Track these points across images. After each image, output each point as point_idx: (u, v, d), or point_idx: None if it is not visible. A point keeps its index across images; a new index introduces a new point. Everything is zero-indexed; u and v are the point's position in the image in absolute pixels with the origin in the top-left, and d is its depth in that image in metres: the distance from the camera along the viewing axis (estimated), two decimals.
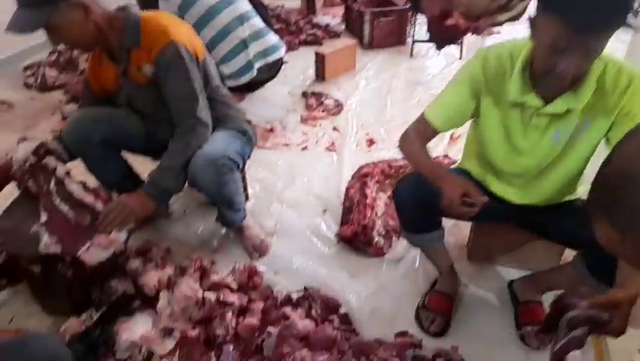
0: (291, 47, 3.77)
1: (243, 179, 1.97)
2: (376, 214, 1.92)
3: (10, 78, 3.40)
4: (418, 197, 1.35)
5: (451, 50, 3.65)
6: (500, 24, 3.19)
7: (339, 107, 2.96)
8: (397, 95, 3.14)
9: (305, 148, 2.56)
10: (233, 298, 1.51)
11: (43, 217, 1.41)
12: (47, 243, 1.36)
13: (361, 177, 2.13)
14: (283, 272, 1.74)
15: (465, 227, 1.82)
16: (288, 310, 1.49)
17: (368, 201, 1.95)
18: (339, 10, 4.61)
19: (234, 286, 1.58)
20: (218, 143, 1.58)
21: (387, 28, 3.87)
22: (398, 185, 1.44)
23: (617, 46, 3.46)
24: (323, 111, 2.90)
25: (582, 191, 1.39)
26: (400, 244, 1.84)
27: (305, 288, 1.59)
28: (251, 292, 1.59)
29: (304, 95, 3.11)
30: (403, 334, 1.46)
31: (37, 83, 3.26)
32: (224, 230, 1.91)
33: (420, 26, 3.68)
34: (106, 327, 1.41)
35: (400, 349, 1.37)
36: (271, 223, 1.97)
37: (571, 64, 1.02)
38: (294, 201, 2.12)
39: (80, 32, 1.43)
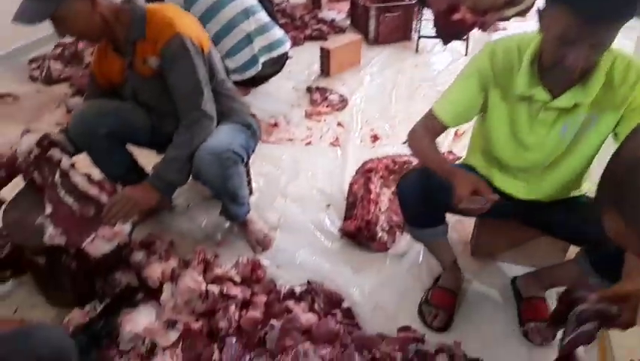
0: (296, 42, 3.76)
1: (248, 173, 1.97)
2: (380, 210, 1.91)
3: (15, 71, 3.41)
4: (422, 192, 1.35)
5: (457, 46, 3.63)
6: (507, 19, 3.17)
7: (343, 102, 2.95)
8: (402, 90, 3.13)
9: (309, 143, 2.56)
10: (237, 291, 1.51)
11: (48, 209, 1.42)
12: (52, 234, 1.37)
13: (365, 172, 2.13)
14: (286, 266, 1.74)
15: (469, 223, 1.81)
16: (291, 303, 1.50)
17: (372, 196, 1.95)
18: (345, 5, 4.59)
19: (237, 279, 1.59)
20: (223, 136, 1.58)
21: (392, 23, 3.85)
22: (402, 180, 1.44)
23: (625, 43, 3.43)
24: (327, 106, 2.90)
25: (587, 187, 1.38)
26: (404, 240, 1.83)
27: (308, 282, 1.59)
28: (254, 286, 1.59)
29: (309, 90, 3.10)
30: (405, 329, 1.46)
31: (43, 76, 3.27)
32: (227, 224, 1.91)
33: (426, 22, 3.66)
34: (109, 319, 1.42)
35: (403, 343, 1.37)
36: (275, 218, 1.98)
37: (580, 56, 1.01)
38: (298, 196, 2.12)
39: (87, 24, 1.44)
